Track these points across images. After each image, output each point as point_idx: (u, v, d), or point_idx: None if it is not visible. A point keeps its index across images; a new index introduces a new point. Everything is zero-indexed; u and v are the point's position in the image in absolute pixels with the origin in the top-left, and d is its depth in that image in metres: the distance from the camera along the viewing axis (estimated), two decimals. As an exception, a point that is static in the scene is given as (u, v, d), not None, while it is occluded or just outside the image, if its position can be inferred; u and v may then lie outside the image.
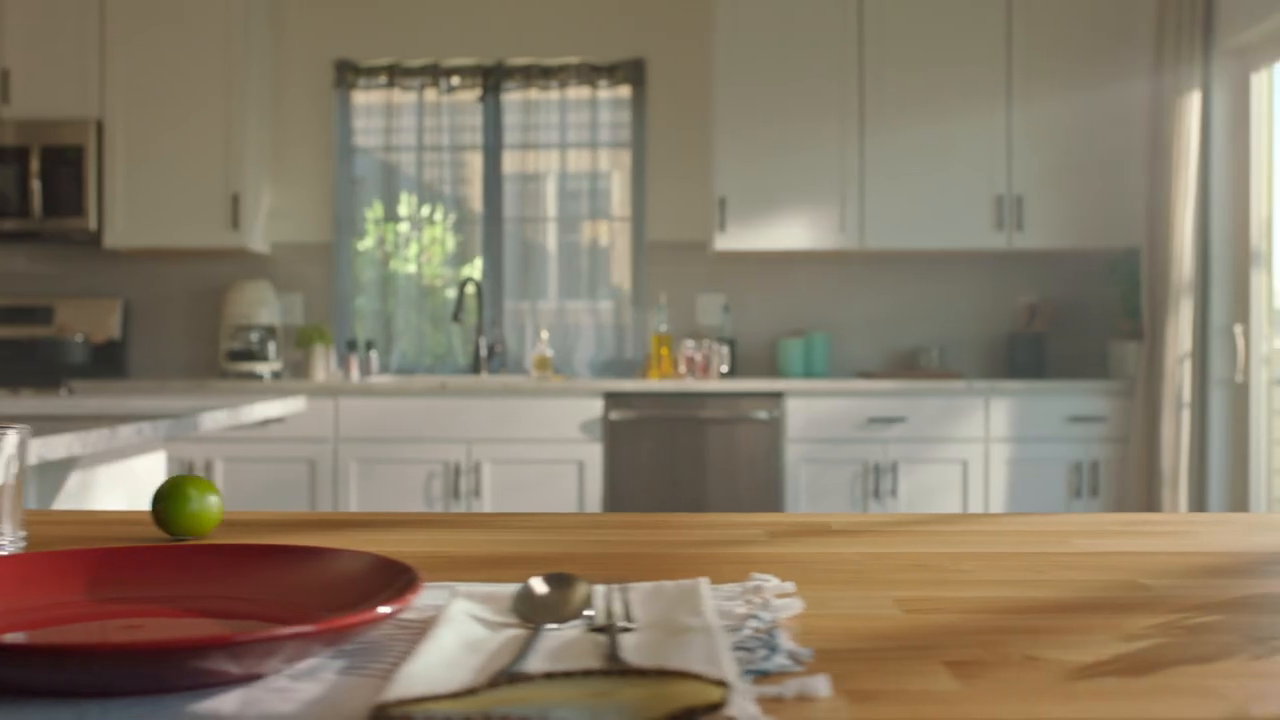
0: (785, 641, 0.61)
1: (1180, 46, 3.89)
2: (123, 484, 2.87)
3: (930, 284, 4.58)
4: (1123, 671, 0.58)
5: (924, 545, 0.93)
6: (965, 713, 0.52)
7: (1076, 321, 4.58)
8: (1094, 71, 4.23)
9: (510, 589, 0.69)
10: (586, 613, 0.65)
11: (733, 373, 4.43)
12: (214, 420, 2.67)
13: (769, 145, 4.23)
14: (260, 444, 4.01)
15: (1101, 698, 0.54)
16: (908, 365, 4.54)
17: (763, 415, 4.01)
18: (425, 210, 4.54)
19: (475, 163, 4.57)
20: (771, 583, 0.77)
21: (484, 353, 4.44)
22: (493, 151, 4.55)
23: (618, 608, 0.65)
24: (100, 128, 4.18)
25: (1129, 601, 0.73)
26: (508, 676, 0.50)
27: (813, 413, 4.02)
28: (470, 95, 4.53)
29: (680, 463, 4.03)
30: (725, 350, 4.24)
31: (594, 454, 4.01)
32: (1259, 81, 3.84)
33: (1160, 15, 3.97)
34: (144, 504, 2.93)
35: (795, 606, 0.70)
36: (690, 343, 4.23)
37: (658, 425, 4.03)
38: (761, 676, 0.57)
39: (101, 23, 4.18)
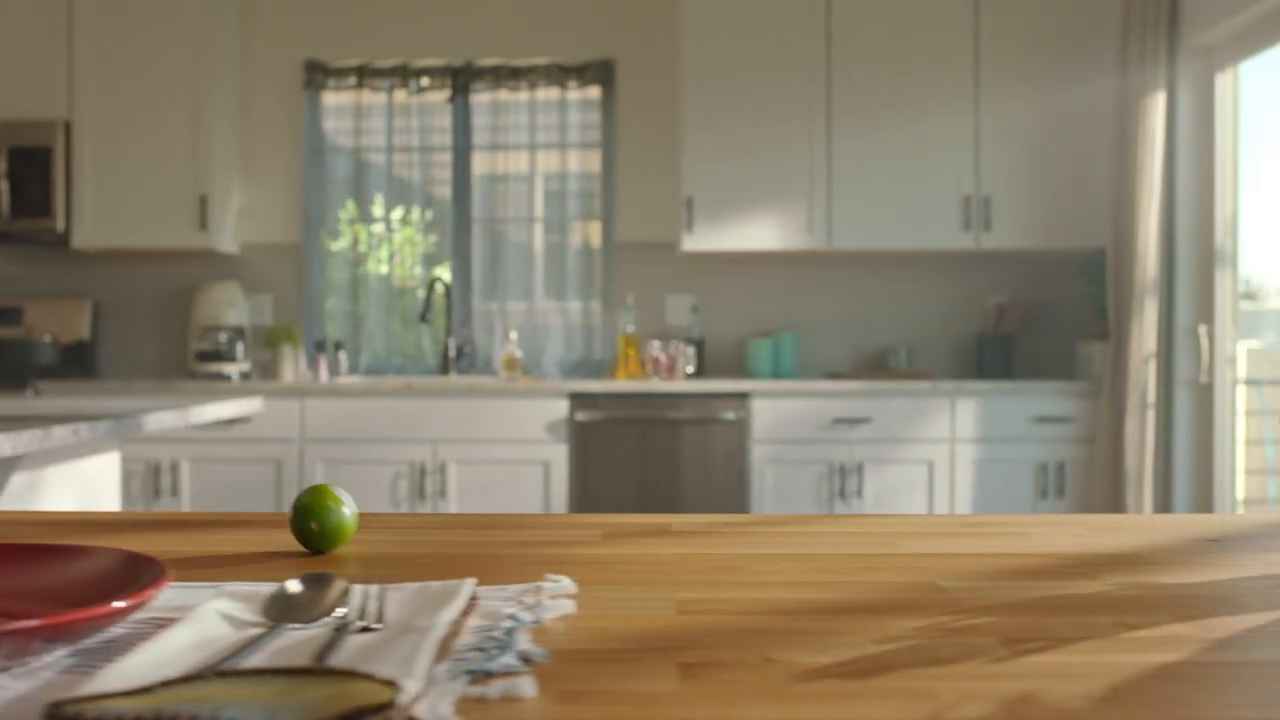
0: (523, 643, 0.62)
1: (1145, 46, 3.88)
2: (74, 485, 2.87)
3: (899, 285, 4.57)
4: (850, 674, 0.58)
5: (748, 547, 0.93)
6: (663, 713, 0.52)
7: (1046, 322, 4.58)
8: (1061, 71, 4.22)
9: (270, 588, 0.69)
10: (339, 612, 0.65)
11: (701, 373, 4.43)
12: (159, 421, 2.68)
13: (737, 146, 4.23)
14: (226, 445, 4.01)
15: (810, 699, 0.54)
16: (876, 366, 4.54)
17: (729, 416, 4.01)
18: (398, 211, 4.54)
19: (445, 163, 4.58)
20: (562, 583, 0.77)
21: (452, 353, 4.44)
22: (462, 152, 4.56)
23: (372, 608, 0.65)
24: (68, 128, 4.19)
25: (911, 603, 0.73)
26: (212, 673, 0.50)
27: (778, 413, 4.02)
28: (439, 96, 4.53)
29: (645, 463, 4.03)
30: (691, 351, 4.24)
31: (559, 455, 4.01)
32: (1223, 81, 3.83)
33: (1126, 14, 3.96)
34: (95, 504, 2.93)
35: (564, 607, 0.70)
36: (656, 343, 4.23)
37: (623, 426, 4.03)
38: (484, 676, 0.57)
39: (70, 23, 4.19)
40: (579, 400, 4.02)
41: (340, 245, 4.54)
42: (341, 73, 4.49)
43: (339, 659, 0.56)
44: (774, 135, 4.23)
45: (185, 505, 4.03)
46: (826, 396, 4.02)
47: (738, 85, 4.23)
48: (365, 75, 4.49)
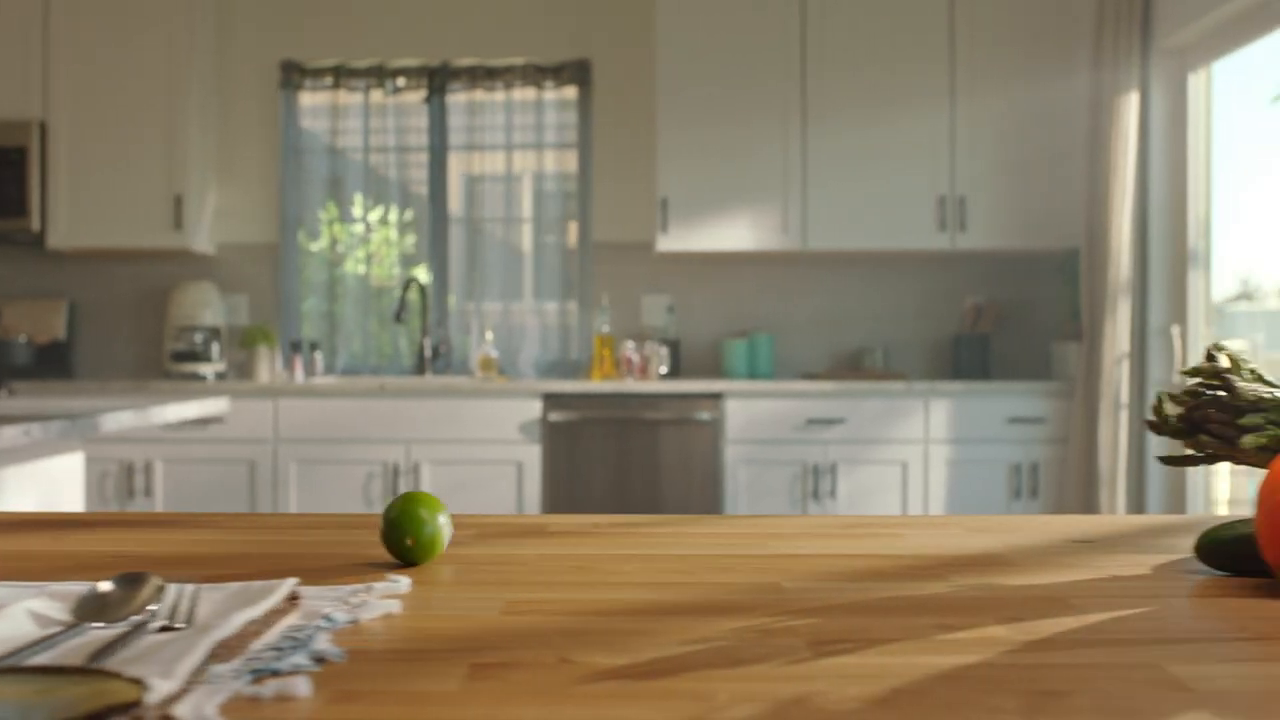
0: (321, 642, 0.62)
1: (1118, 45, 3.87)
2: (36, 485, 2.88)
3: (876, 285, 4.57)
4: (640, 675, 0.58)
5: (614, 548, 0.93)
6: (432, 712, 0.52)
7: (1022, 323, 4.57)
8: (1036, 71, 4.22)
9: (84, 588, 0.69)
10: (149, 609, 0.65)
11: (677, 374, 4.42)
12: (117, 421, 2.68)
13: (712, 146, 4.22)
14: (200, 445, 4.02)
15: (583, 700, 0.54)
16: (852, 366, 4.53)
17: (703, 416, 4.01)
18: (377, 212, 4.54)
19: (422, 164, 4.58)
20: (399, 583, 0.77)
21: (428, 353, 4.44)
22: (438, 153, 4.56)
23: (184, 607, 0.65)
24: (44, 129, 4.20)
25: (743, 604, 0.73)
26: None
27: (752, 414, 4.02)
28: (416, 97, 4.53)
29: (619, 464, 4.03)
30: (664, 351, 4.24)
31: (532, 455, 4.01)
32: (1196, 81, 3.82)
33: (1099, 14, 3.95)
34: (57, 505, 2.94)
35: (388, 607, 0.70)
36: (630, 344, 4.23)
37: (597, 426, 4.03)
38: (269, 676, 0.57)
39: (45, 24, 4.20)
40: (552, 401, 4.02)
41: (318, 245, 4.54)
42: (318, 73, 4.50)
43: (119, 658, 0.56)
44: (749, 135, 4.23)
45: (159, 505, 4.03)
46: (800, 397, 4.02)
47: (713, 85, 4.23)
48: (341, 75, 4.49)
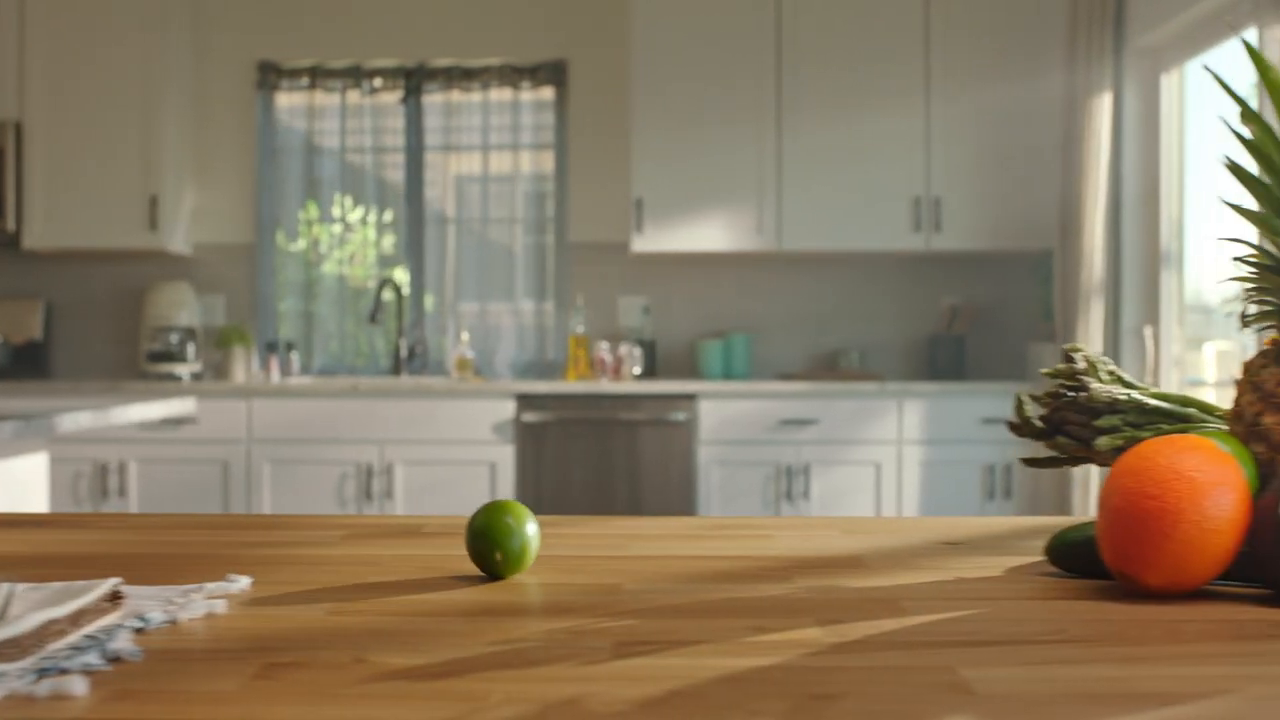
0: (120, 641, 0.62)
1: (1091, 46, 3.87)
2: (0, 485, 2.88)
3: (852, 286, 4.57)
4: (427, 675, 0.58)
5: (425, 549, 0.93)
6: (205, 711, 0.52)
7: (998, 323, 4.57)
8: (1010, 71, 4.21)
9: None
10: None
11: (653, 374, 4.42)
12: (75, 422, 2.68)
13: (687, 147, 4.22)
14: (174, 445, 4.02)
15: (358, 700, 0.54)
16: (828, 367, 4.53)
17: (676, 417, 4.00)
18: (358, 212, 4.55)
19: (399, 164, 4.58)
20: (238, 583, 0.77)
21: (404, 354, 4.45)
22: (415, 153, 4.56)
23: (-3, 606, 0.66)
24: (19, 129, 4.21)
25: (573, 606, 0.73)
26: None
27: (725, 415, 4.02)
28: (392, 97, 4.54)
29: (592, 464, 4.03)
30: (637, 352, 4.24)
31: (506, 456, 4.02)
32: (1169, 82, 3.82)
33: (1073, 14, 3.95)
34: (21, 505, 2.94)
35: (210, 607, 0.70)
36: (603, 344, 4.23)
37: (570, 427, 4.03)
38: (58, 674, 0.57)
39: (20, 23, 4.21)
40: (526, 401, 4.02)
41: (296, 246, 4.55)
42: (294, 73, 4.50)
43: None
44: (724, 136, 4.23)
45: (132, 506, 4.04)
46: (774, 398, 4.02)
47: (688, 86, 4.23)
48: (318, 76, 4.49)
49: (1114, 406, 0.85)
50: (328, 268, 4.56)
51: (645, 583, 0.79)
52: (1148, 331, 3.86)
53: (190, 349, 4.29)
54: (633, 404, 4.02)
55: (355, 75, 4.50)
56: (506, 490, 4.01)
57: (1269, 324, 0.84)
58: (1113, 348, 3.93)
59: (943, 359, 4.35)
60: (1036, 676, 0.58)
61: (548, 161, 4.56)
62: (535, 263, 4.55)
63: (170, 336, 4.26)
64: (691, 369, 4.56)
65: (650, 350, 4.39)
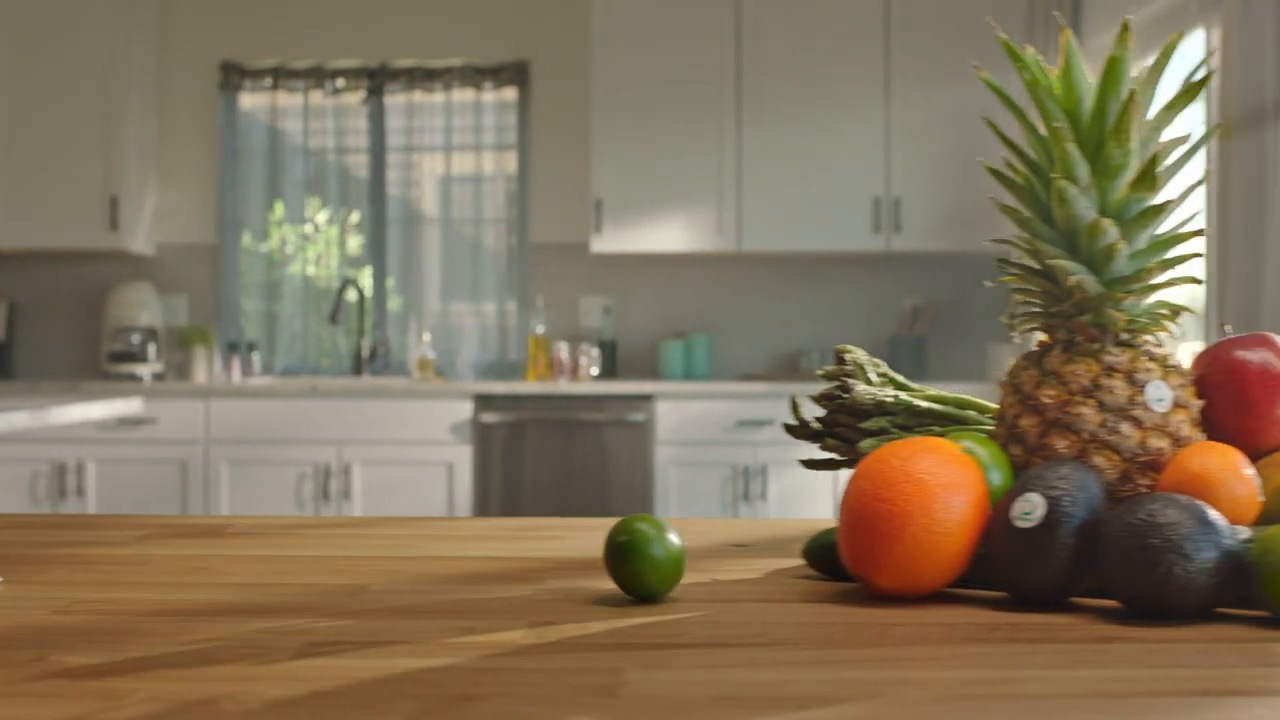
0: None
1: (1049, 46, 3.86)
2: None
3: (814, 286, 4.56)
4: (89, 673, 0.58)
5: (262, 549, 0.93)
6: None
7: (960, 324, 4.56)
8: (971, 72, 4.20)
9: None
10: None
11: (614, 375, 4.42)
12: (9, 422, 2.69)
13: (647, 147, 4.22)
14: (132, 446, 4.03)
15: (8, 699, 0.54)
16: (790, 368, 4.53)
17: (635, 418, 4.00)
18: (325, 213, 4.55)
19: (362, 165, 4.59)
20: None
21: (365, 354, 4.45)
22: (378, 154, 4.56)
23: None
24: (-19, 130, 4.22)
25: (298, 605, 0.73)
26: None
27: (683, 415, 4.01)
28: (355, 98, 4.54)
29: (550, 465, 4.03)
30: (595, 352, 4.24)
31: (463, 456, 4.02)
32: (1125, 82, 3.80)
33: (1030, 14, 3.95)
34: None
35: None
36: (562, 344, 4.23)
37: (528, 428, 4.03)
38: None
39: (-18, 27, 4.22)
40: (484, 402, 4.02)
41: (261, 246, 4.55)
42: (257, 74, 4.51)
43: None
44: (684, 136, 4.23)
45: (91, 507, 4.04)
46: (732, 398, 4.02)
47: (648, 86, 4.22)
48: (281, 76, 4.50)
49: (883, 408, 0.85)
50: (294, 268, 4.57)
51: (393, 584, 0.79)
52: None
53: (151, 349, 4.29)
54: (590, 405, 4.02)
55: (318, 76, 4.51)
56: (464, 491, 4.02)
57: (1033, 326, 0.83)
58: (1070, 349, 3.91)
59: (904, 360, 4.34)
60: (696, 680, 0.57)
61: (510, 162, 4.56)
62: (498, 263, 4.55)
63: (132, 337, 4.27)
64: (653, 369, 4.56)
65: (611, 351, 4.39)
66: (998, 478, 0.78)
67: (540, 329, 4.32)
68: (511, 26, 4.53)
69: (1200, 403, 0.81)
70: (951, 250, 4.25)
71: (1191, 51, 3.45)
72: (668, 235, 4.23)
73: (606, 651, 0.62)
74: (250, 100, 4.56)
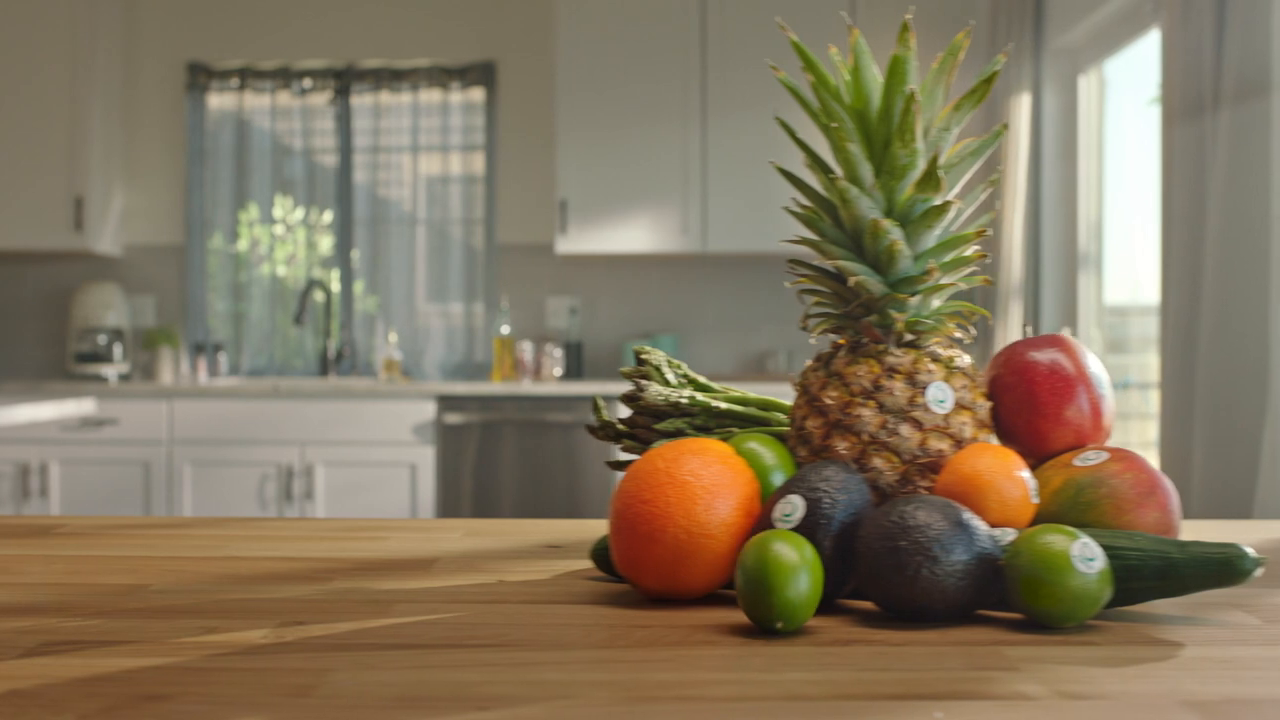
0: None
1: (1010, 45, 3.85)
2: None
3: (779, 287, 4.55)
4: None
5: (69, 549, 0.93)
6: None
7: (927, 325, 4.54)
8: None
9: None
10: None
11: (580, 376, 4.42)
12: (-49, 422, 2.69)
13: (612, 148, 4.22)
14: (95, 447, 4.03)
15: None
16: (757, 368, 4.52)
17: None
18: (298, 213, 4.55)
19: (329, 165, 4.59)
20: None
21: (331, 355, 4.45)
22: (345, 154, 4.57)
23: None
24: (-53, 132, 4.23)
25: (67, 605, 0.73)
26: None
27: (645, 416, 4.00)
28: (322, 99, 4.54)
29: (512, 466, 4.03)
30: (559, 353, 4.24)
31: (426, 457, 4.02)
32: (1087, 82, 3.80)
33: (993, 13, 3.94)
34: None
35: None
36: (526, 345, 4.23)
37: (491, 429, 4.03)
38: None
39: (-52, 28, 4.23)
40: (447, 402, 4.02)
41: (229, 247, 4.55)
42: (224, 74, 4.51)
43: None
44: (649, 138, 4.23)
45: (55, 508, 4.05)
46: (693, 399, 4.00)
47: (613, 87, 4.22)
48: (248, 77, 4.50)
49: (679, 409, 0.85)
50: (263, 269, 4.57)
51: (175, 584, 0.79)
52: (1065, 333, 3.83)
53: (118, 350, 4.30)
54: (555, 405, 4.02)
55: (285, 76, 4.51)
56: (427, 492, 4.02)
57: (825, 327, 0.83)
58: (1032, 350, 3.90)
59: (870, 361, 4.32)
60: (396, 680, 0.57)
61: (477, 163, 4.56)
62: (466, 264, 4.55)
63: (98, 338, 4.28)
64: (619, 370, 4.55)
65: (578, 351, 4.39)
66: (782, 480, 0.78)
67: (506, 330, 4.32)
68: (478, 27, 4.53)
69: (988, 404, 0.81)
70: (917, 251, 4.24)
71: (1145, 52, 3.44)
72: (633, 236, 4.23)
73: (331, 652, 0.62)
74: (218, 100, 4.56)
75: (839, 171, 0.80)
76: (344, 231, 4.57)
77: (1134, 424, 3.86)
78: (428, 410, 4.02)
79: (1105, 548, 0.69)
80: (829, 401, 0.78)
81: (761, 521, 0.73)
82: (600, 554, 0.80)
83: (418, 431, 4.02)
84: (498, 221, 4.55)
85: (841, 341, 0.83)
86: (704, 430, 0.85)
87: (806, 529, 0.71)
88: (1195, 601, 0.75)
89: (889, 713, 0.53)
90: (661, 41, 4.22)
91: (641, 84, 4.22)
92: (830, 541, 0.70)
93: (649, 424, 0.85)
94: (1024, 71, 3.82)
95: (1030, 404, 0.81)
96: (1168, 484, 0.76)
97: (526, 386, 4.03)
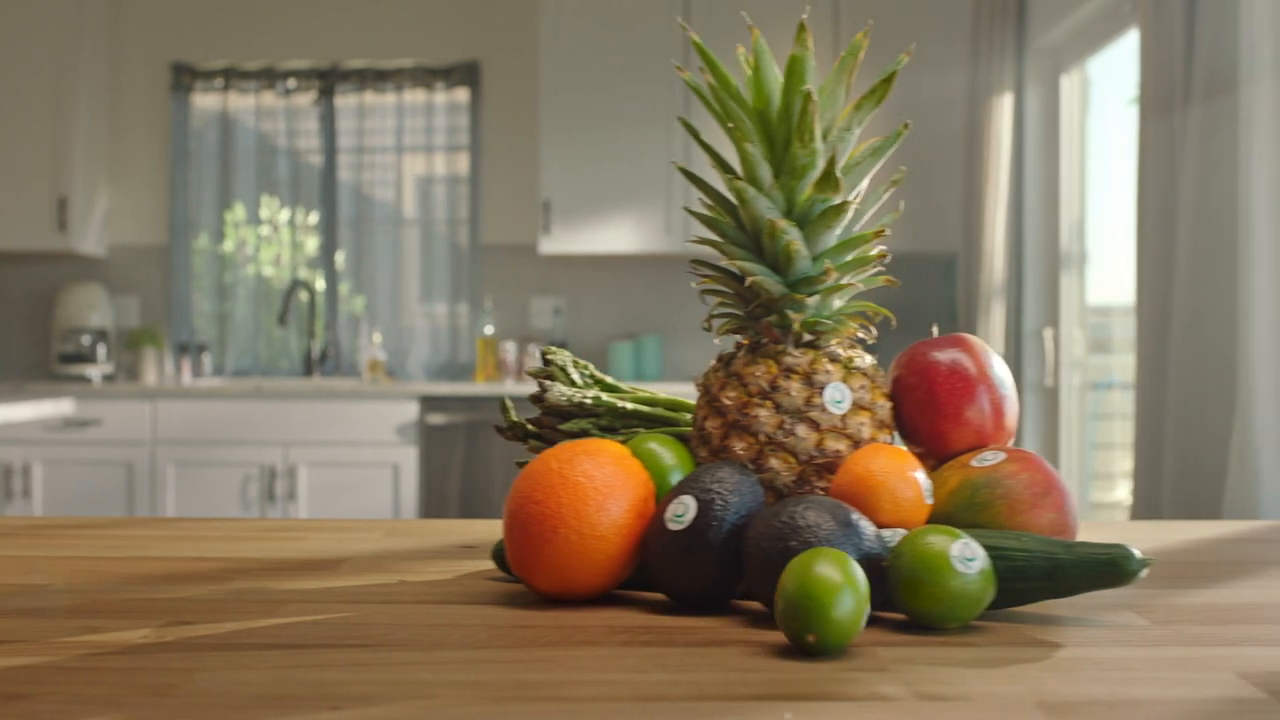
0: None
1: (994, 45, 3.85)
2: None
3: (766, 287, 4.55)
4: None
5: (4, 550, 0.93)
6: None
7: (907, 325, 4.53)
8: (916, 70, 4.19)
9: None
10: None
11: (566, 376, 4.41)
12: (-76, 422, 2.70)
13: (595, 148, 4.22)
14: (78, 447, 4.04)
15: None
16: (742, 368, 4.51)
17: (578, 418, 3.99)
18: (285, 213, 4.56)
19: (314, 166, 4.59)
20: None
21: (315, 355, 4.46)
22: (329, 155, 4.57)
23: None
24: (-69, 133, 4.23)
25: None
26: None
27: (627, 416, 4.00)
28: (307, 99, 4.55)
29: (497, 466, 4.03)
30: (539, 353, 4.23)
31: (409, 458, 4.02)
32: (1069, 82, 3.79)
33: (976, 12, 3.94)
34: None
35: None
36: (508, 346, 4.23)
37: (474, 429, 4.03)
38: None
39: (-68, 29, 4.23)
40: (430, 403, 4.03)
41: (214, 247, 4.56)
42: (209, 75, 4.52)
43: None
44: (632, 138, 4.23)
45: (38, 509, 4.05)
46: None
47: (596, 88, 4.22)
48: (232, 77, 4.51)
49: (583, 409, 0.85)
50: (250, 269, 4.58)
51: (76, 584, 0.79)
52: (1048, 334, 3.84)
53: (102, 350, 4.30)
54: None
55: (269, 76, 4.52)
56: (410, 492, 4.02)
57: (728, 328, 0.83)
58: (1014, 350, 3.91)
59: (854, 361, 4.32)
60: (257, 681, 0.57)
61: (462, 163, 4.57)
62: (450, 264, 4.56)
63: (82, 338, 4.28)
64: (603, 370, 4.56)
65: (562, 352, 4.39)
66: (679, 480, 0.78)
67: (489, 330, 4.32)
68: (462, 28, 4.53)
69: (888, 405, 0.81)
70: (899, 251, 4.23)
71: (1127, 51, 3.44)
72: (616, 236, 4.23)
73: (205, 652, 0.62)
74: (202, 101, 4.57)
75: (740, 172, 0.80)
76: (329, 232, 4.58)
77: (1116, 425, 3.86)
78: (411, 411, 4.02)
79: (992, 548, 0.69)
80: (727, 402, 0.78)
81: (654, 522, 0.73)
82: (501, 554, 0.80)
83: (401, 432, 4.02)
84: (482, 222, 4.55)
85: (744, 342, 0.83)
86: (610, 431, 0.85)
87: (697, 530, 0.71)
88: (1089, 602, 0.75)
89: (741, 713, 0.53)
90: (645, 42, 4.22)
91: (625, 84, 4.23)
92: (720, 542, 0.71)
93: (554, 424, 0.85)
94: (1006, 70, 3.82)
95: (931, 404, 0.81)
96: (1064, 485, 0.76)
97: (509, 387, 4.03)
